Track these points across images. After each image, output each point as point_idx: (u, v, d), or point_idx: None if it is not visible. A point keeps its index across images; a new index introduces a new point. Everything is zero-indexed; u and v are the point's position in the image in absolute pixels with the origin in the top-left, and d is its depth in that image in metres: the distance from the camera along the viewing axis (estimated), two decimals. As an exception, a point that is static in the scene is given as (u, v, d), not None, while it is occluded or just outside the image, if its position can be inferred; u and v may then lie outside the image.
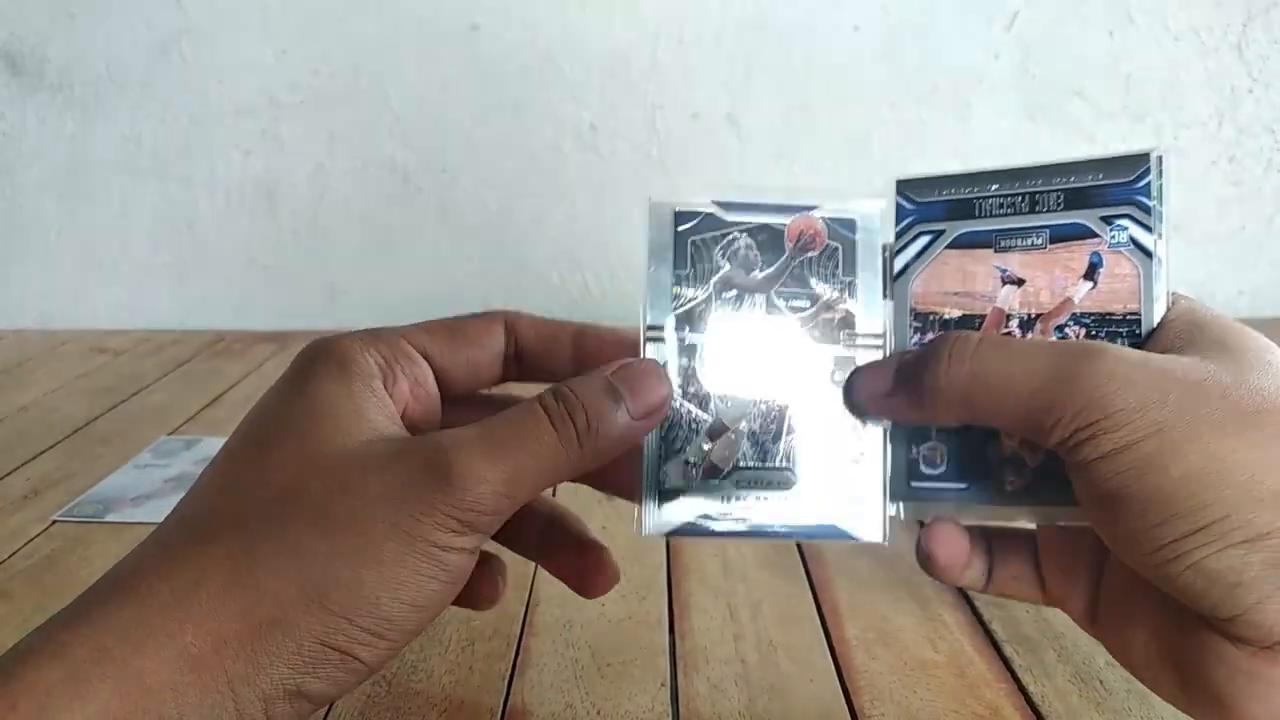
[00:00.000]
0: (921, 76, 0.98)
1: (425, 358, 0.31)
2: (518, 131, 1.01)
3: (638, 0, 0.97)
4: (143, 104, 1.01)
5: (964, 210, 0.31)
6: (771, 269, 0.31)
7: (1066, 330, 0.30)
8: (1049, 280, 0.30)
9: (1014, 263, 0.31)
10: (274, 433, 0.28)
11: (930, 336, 0.31)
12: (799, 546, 0.54)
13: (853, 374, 0.31)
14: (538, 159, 1.01)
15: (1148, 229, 0.29)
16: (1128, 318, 0.29)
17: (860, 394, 0.30)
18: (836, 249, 0.32)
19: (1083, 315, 0.30)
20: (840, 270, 0.31)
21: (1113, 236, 0.30)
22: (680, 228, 0.32)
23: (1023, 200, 0.31)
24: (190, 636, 0.24)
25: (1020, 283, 0.31)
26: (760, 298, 0.31)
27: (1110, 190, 0.30)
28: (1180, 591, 0.25)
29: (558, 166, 1.01)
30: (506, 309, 0.33)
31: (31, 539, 0.57)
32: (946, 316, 0.31)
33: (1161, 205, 0.29)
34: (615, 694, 0.41)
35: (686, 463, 0.30)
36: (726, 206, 0.32)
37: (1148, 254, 0.29)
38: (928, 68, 0.98)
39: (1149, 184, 0.30)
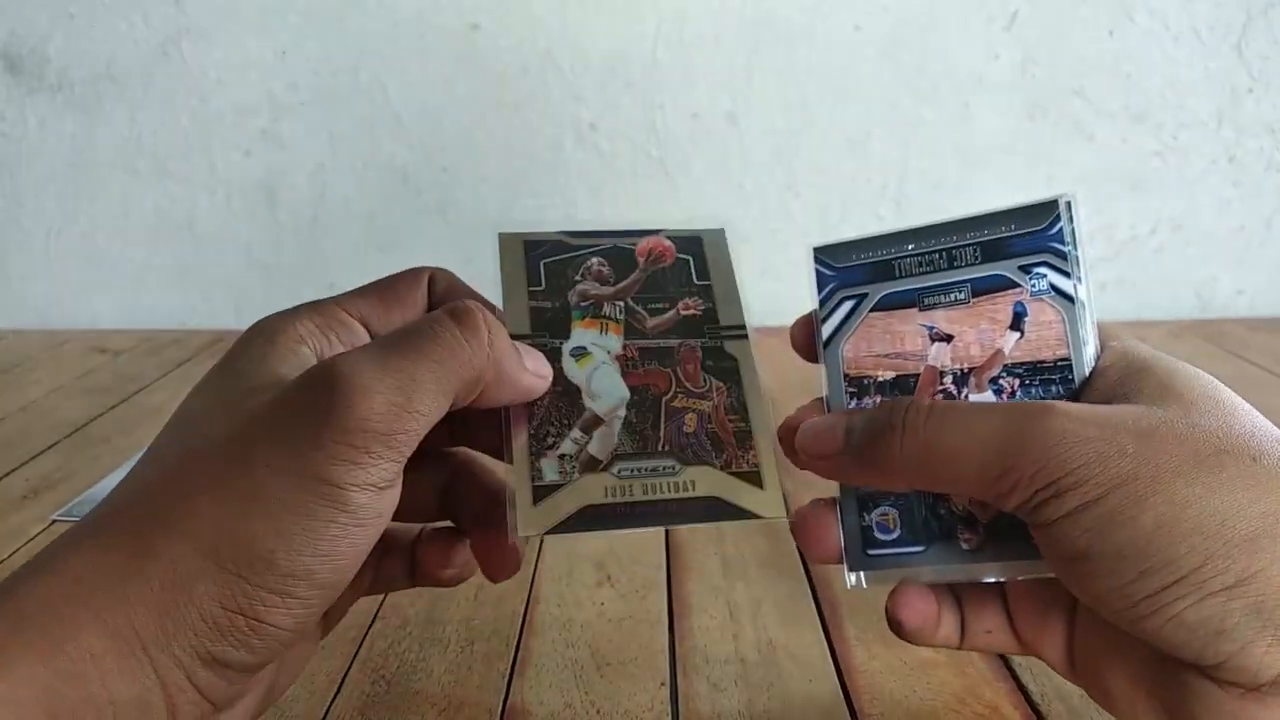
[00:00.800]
0: (922, 76, 0.98)
1: (362, 323, 0.31)
2: (518, 131, 1.01)
3: (638, 0, 0.97)
4: (143, 104, 1.01)
5: (884, 272, 0.32)
6: (626, 280, 0.33)
7: (1001, 382, 0.30)
8: (976, 334, 0.31)
9: (940, 319, 0.31)
10: (196, 410, 0.28)
11: (868, 401, 0.31)
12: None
13: (801, 430, 0.30)
14: (538, 158, 1.01)
15: (1065, 274, 0.30)
16: (1059, 364, 0.30)
17: (810, 452, 0.30)
18: (687, 260, 0.34)
19: (1014, 366, 0.30)
20: (694, 277, 0.33)
21: (1033, 285, 0.30)
22: (531, 253, 0.34)
23: (940, 257, 0.31)
24: (101, 602, 0.23)
25: (949, 339, 0.31)
26: (619, 303, 0.33)
27: (1024, 240, 0.30)
28: (1161, 643, 0.25)
29: (558, 166, 1.01)
30: (431, 265, 0.34)
31: (31, 538, 0.57)
32: (881, 379, 0.32)
33: (1076, 250, 0.30)
34: (615, 693, 0.41)
35: (562, 456, 0.30)
36: (574, 235, 0.34)
37: (1069, 299, 0.30)
38: (928, 67, 0.98)
39: (1061, 230, 0.30)
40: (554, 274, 0.33)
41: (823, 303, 0.33)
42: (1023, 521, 0.28)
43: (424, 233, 1.04)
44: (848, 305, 0.32)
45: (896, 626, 0.32)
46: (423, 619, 0.47)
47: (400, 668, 0.43)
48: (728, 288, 0.33)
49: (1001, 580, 0.31)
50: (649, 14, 0.97)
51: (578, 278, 0.33)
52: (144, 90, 1.01)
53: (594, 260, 0.34)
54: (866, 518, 0.31)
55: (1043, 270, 0.30)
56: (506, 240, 0.34)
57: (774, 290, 1.05)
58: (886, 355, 0.32)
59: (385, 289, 0.32)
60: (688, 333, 0.32)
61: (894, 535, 0.31)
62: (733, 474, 0.30)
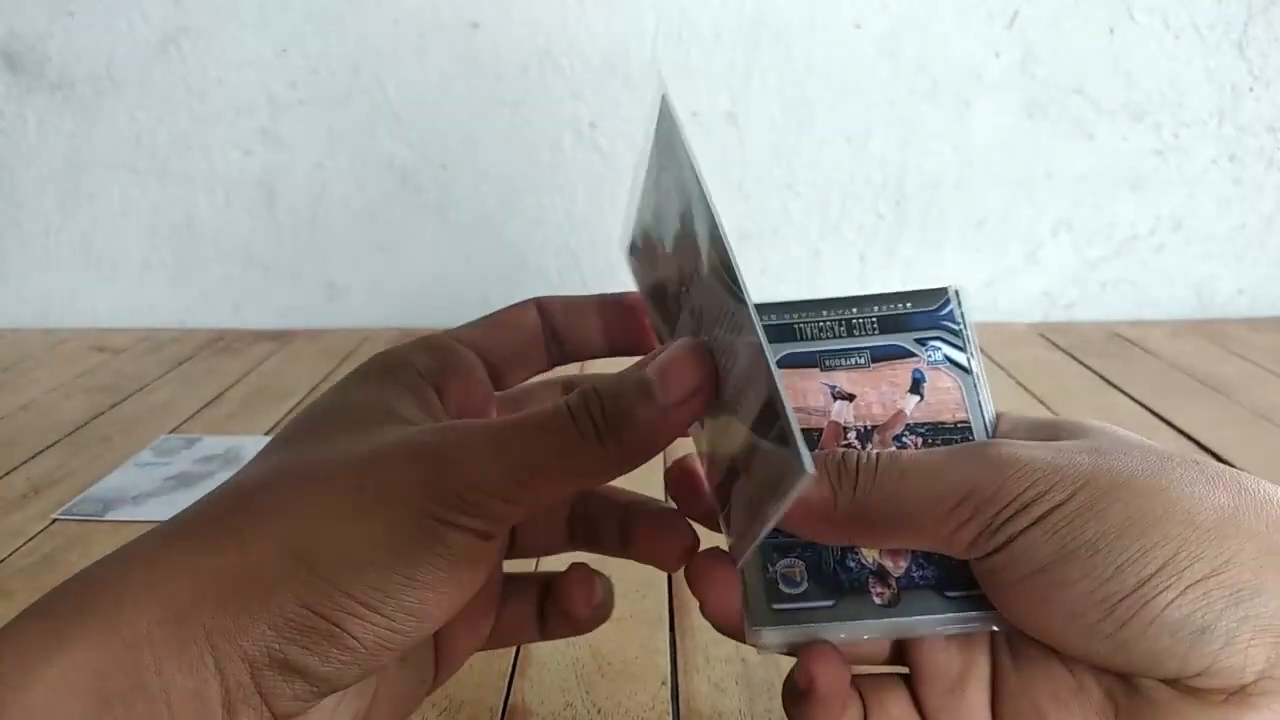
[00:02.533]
0: (921, 74, 0.98)
1: (474, 349, 0.31)
2: (517, 129, 1.00)
3: (638, -2, 0.97)
4: (142, 102, 1.01)
5: (785, 334, 0.32)
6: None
7: (904, 440, 0.31)
8: (878, 395, 0.31)
9: (842, 379, 0.32)
10: (305, 426, 0.28)
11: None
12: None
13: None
14: (537, 156, 1.01)
15: (959, 348, 0.31)
16: (959, 425, 0.31)
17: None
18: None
19: (916, 425, 0.31)
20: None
21: (929, 355, 0.31)
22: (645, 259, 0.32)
23: (840, 326, 0.32)
24: (168, 587, 0.23)
25: (851, 398, 0.31)
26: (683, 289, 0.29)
27: (918, 316, 0.32)
28: (1141, 657, 0.24)
29: (557, 164, 1.01)
30: (539, 295, 0.33)
31: (32, 537, 0.57)
32: None
33: (968, 330, 0.32)
34: (616, 693, 0.41)
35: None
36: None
37: (964, 369, 0.31)
38: (928, 65, 0.98)
39: (951, 312, 0.32)
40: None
41: None
42: (934, 577, 0.28)
43: (423, 231, 1.04)
44: None
45: (808, 688, 0.28)
46: (423, 618, 0.47)
47: (401, 667, 0.43)
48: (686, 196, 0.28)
49: (915, 636, 0.30)
50: (648, 12, 0.97)
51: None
52: (143, 89, 1.01)
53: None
54: (771, 570, 0.29)
55: (937, 344, 0.32)
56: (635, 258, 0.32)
57: (773, 289, 1.05)
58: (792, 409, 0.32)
59: (494, 320, 0.32)
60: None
61: (801, 588, 0.29)
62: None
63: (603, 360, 0.33)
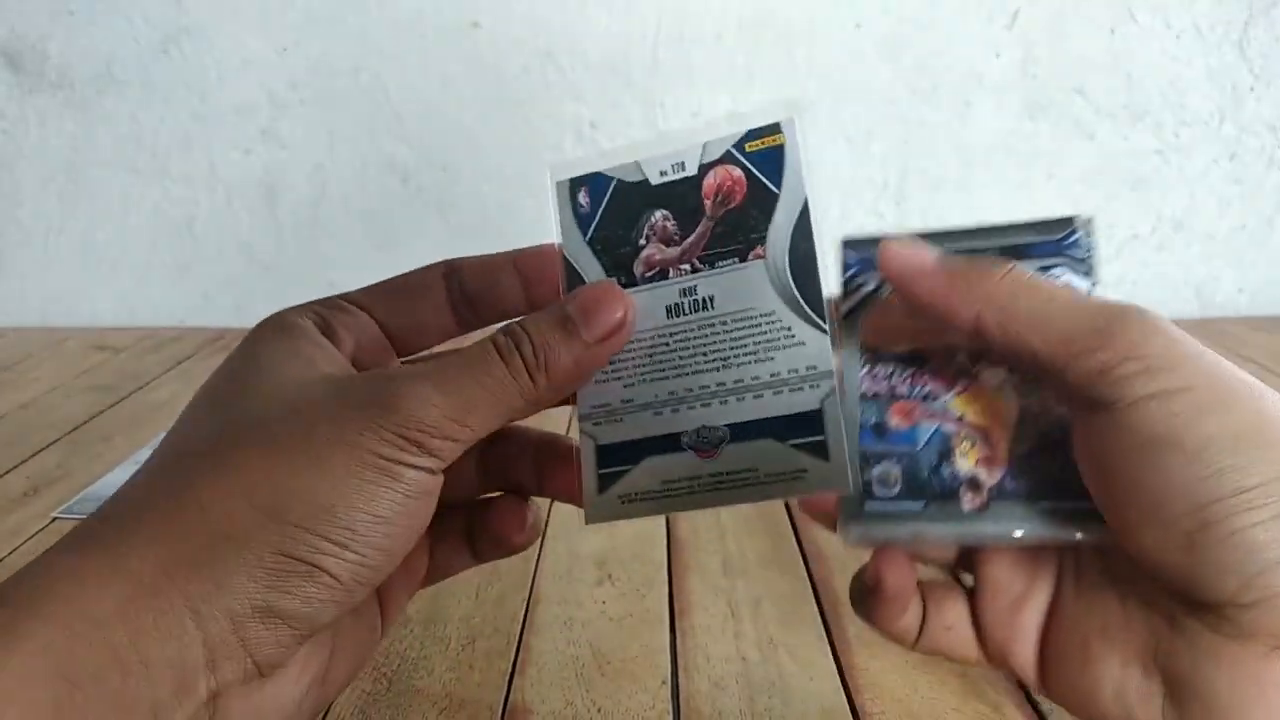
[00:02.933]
0: (922, 75, 0.98)
1: (367, 312, 0.31)
2: (518, 129, 1.01)
3: (638, -2, 0.97)
4: (143, 102, 1.01)
5: None
6: (691, 237, 0.30)
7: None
8: None
9: None
10: (219, 391, 0.28)
11: (880, 369, 0.31)
12: (800, 544, 0.54)
13: (885, 249, 0.29)
14: (538, 157, 1.01)
15: (1084, 275, 0.30)
16: None
17: (891, 263, 0.29)
18: (761, 185, 0.30)
19: None
20: (768, 214, 0.30)
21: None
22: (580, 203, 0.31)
23: (961, 256, 0.32)
24: (136, 563, 0.23)
25: None
26: (684, 268, 0.30)
27: (1043, 246, 0.31)
28: (1207, 569, 0.23)
29: (558, 164, 1.01)
30: (449, 257, 0.33)
31: (31, 536, 0.57)
32: (898, 350, 0.32)
33: (1094, 259, 0.31)
34: (616, 692, 0.41)
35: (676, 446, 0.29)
36: (633, 167, 0.31)
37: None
38: (928, 66, 0.98)
39: (1078, 240, 0.31)
40: (615, 236, 0.30)
41: (845, 284, 0.33)
42: (1026, 488, 0.27)
43: (423, 231, 1.04)
44: (870, 285, 0.32)
45: (873, 587, 0.30)
46: (424, 617, 0.47)
47: (401, 666, 0.43)
48: (793, 210, 0.29)
49: (1000, 544, 0.31)
50: (649, 12, 0.97)
51: (642, 240, 0.30)
52: (144, 89, 1.01)
53: (658, 214, 0.30)
54: (867, 472, 0.31)
55: (1060, 270, 0.30)
56: (562, 188, 0.31)
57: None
58: (903, 330, 0.32)
59: (395, 285, 0.32)
60: (767, 281, 0.29)
61: (894, 491, 0.30)
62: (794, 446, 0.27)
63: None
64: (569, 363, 0.27)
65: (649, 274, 0.30)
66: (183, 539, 0.23)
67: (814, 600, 0.48)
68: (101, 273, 1.07)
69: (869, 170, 1.01)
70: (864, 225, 1.02)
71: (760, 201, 0.29)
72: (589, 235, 0.31)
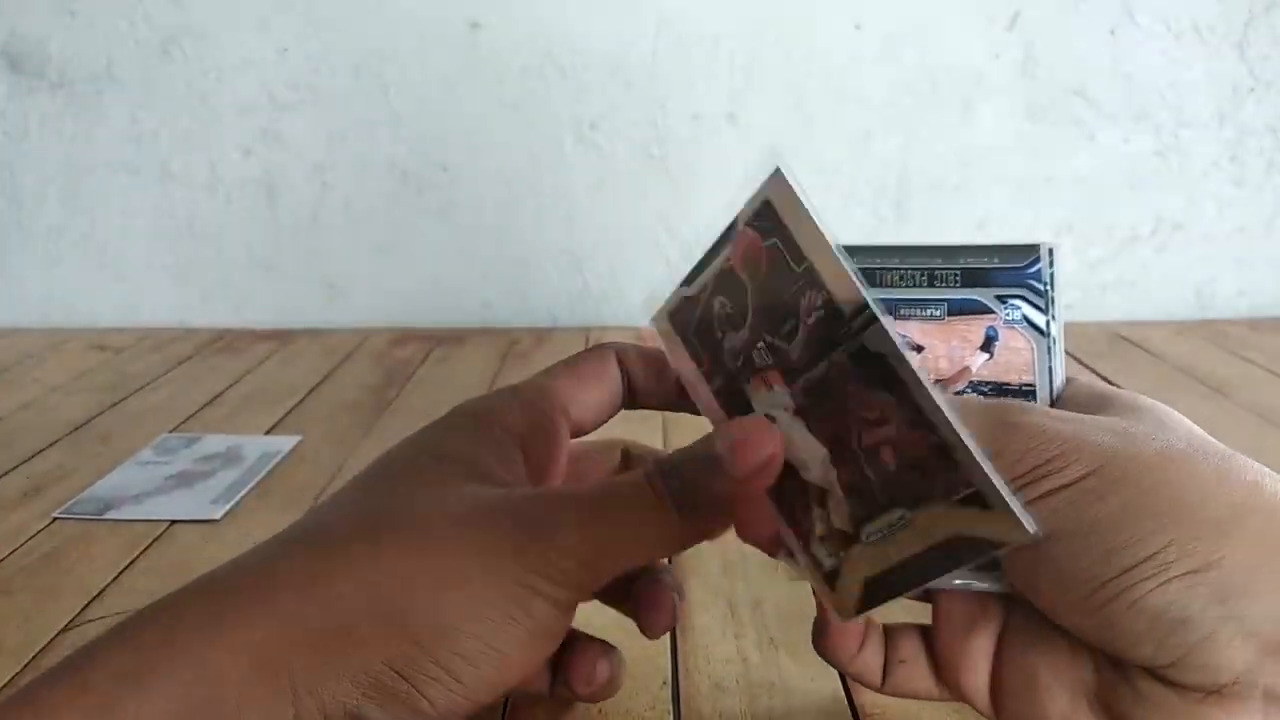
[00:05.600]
0: (922, 76, 0.98)
1: (563, 411, 0.31)
2: (518, 130, 1.01)
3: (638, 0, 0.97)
4: (143, 102, 1.01)
5: (865, 279, 0.31)
6: (749, 314, 0.29)
7: (966, 396, 0.31)
8: (947, 349, 0.31)
9: (913, 331, 0.32)
10: (394, 469, 0.28)
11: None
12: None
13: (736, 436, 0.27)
14: (538, 158, 1.01)
15: (1040, 309, 0.31)
16: (1023, 388, 0.31)
17: (746, 462, 0.27)
18: (776, 245, 0.28)
19: (980, 384, 0.31)
20: (792, 263, 0.27)
21: (1007, 314, 0.31)
22: (678, 329, 0.31)
23: (922, 275, 0.32)
24: (260, 634, 0.23)
25: (919, 349, 0.31)
26: (760, 346, 0.28)
27: (1004, 273, 0.31)
28: (1121, 637, 0.24)
29: (558, 166, 1.01)
30: (613, 342, 0.33)
31: (32, 536, 0.57)
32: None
33: (1052, 291, 0.31)
34: (616, 692, 0.41)
35: (821, 539, 0.27)
36: (689, 281, 0.31)
37: (1041, 331, 0.31)
38: (928, 67, 0.98)
39: (1039, 270, 0.31)
40: (704, 340, 0.30)
41: None
42: None
43: (424, 232, 1.04)
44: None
45: (823, 624, 0.31)
46: (423, 618, 0.47)
47: (401, 666, 0.43)
48: (823, 255, 0.26)
49: (937, 589, 0.31)
50: (649, 13, 0.97)
51: (719, 335, 0.29)
52: (144, 89, 1.01)
53: (717, 304, 0.29)
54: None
55: (1018, 302, 0.31)
56: (661, 326, 0.31)
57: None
58: None
59: (575, 368, 0.32)
60: (828, 345, 0.26)
61: None
62: (959, 502, 0.24)
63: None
64: (719, 499, 0.27)
65: (739, 365, 0.29)
66: (306, 619, 0.24)
67: (814, 601, 0.48)
68: (101, 273, 1.07)
69: (868, 172, 1.01)
70: (863, 227, 1.02)
71: (781, 255, 0.28)
72: (700, 368, 0.31)
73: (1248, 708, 0.24)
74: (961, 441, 0.23)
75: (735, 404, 0.29)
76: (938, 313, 0.31)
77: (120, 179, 1.04)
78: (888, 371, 0.24)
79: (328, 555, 0.25)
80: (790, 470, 0.27)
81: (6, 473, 0.66)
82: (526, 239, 1.04)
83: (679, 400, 0.32)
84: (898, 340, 0.24)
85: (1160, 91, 0.98)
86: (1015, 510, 0.22)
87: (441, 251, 1.05)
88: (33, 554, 0.55)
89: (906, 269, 0.32)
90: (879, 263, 0.32)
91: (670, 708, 0.40)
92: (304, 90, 1.00)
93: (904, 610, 0.32)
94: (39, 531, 0.57)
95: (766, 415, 0.28)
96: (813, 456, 0.27)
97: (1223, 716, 0.24)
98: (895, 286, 0.32)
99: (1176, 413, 0.28)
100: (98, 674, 0.22)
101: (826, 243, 0.26)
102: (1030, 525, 0.22)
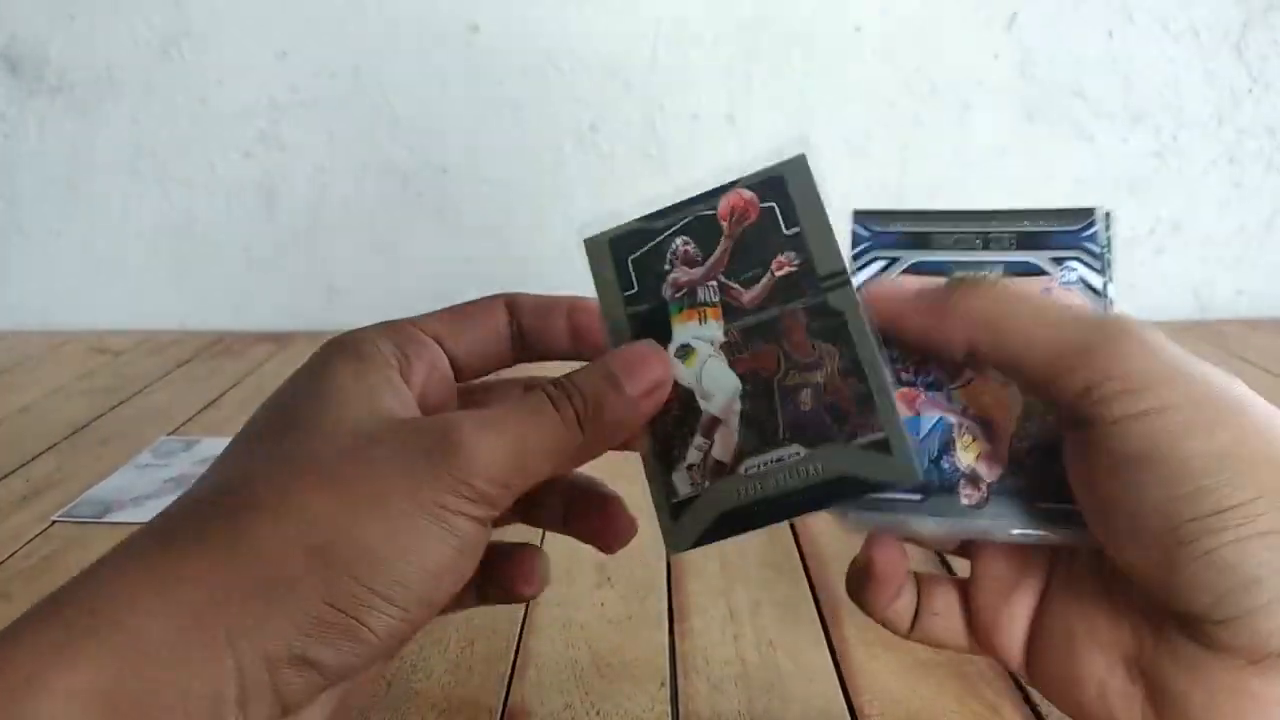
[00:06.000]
0: (921, 77, 0.98)
1: (436, 340, 0.31)
2: (517, 132, 1.01)
3: (638, 0, 0.97)
4: (143, 105, 1.01)
5: (919, 241, 0.32)
6: (714, 254, 0.31)
7: None
8: None
9: None
10: (285, 415, 0.28)
11: (882, 353, 0.31)
12: (799, 546, 0.54)
13: (866, 283, 0.30)
14: (537, 159, 1.01)
15: (1097, 271, 0.30)
16: None
17: (876, 298, 0.29)
18: (772, 209, 0.31)
19: None
20: (783, 226, 0.30)
21: (1063, 276, 0.31)
22: (617, 254, 0.32)
23: (976, 238, 0.32)
24: (187, 593, 0.23)
25: None
26: (711, 284, 0.30)
27: (1059, 236, 0.31)
28: (1183, 585, 0.24)
29: (557, 167, 1.02)
30: (506, 291, 0.33)
31: (31, 539, 0.57)
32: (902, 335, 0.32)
33: (1110, 254, 0.31)
34: (615, 694, 0.41)
35: (690, 467, 0.29)
36: (653, 216, 0.32)
37: (1097, 293, 0.30)
38: (927, 68, 0.98)
39: (1095, 233, 0.31)
40: (644, 270, 0.31)
41: (854, 258, 0.32)
42: (1025, 487, 0.27)
43: (423, 234, 1.04)
44: (879, 264, 0.32)
45: (863, 569, 0.31)
46: (423, 620, 0.47)
47: (400, 668, 0.43)
48: (820, 228, 0.30)
49: (994, 540, 0.31)
50: (649, 15, 0.97)
51: (667, 266, 0.31)
52: (144, 92, 1.01)
53: (678, 241, 0.31)
54: None
55: (1074, 264, 0.31)
56: (592, 247, 0.32)
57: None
58: None
59: (461, 313, 0.33)
60: (787, 297, 0.29)
61: None
62: (860, 446, 0.27)
63: (555, 363, 0.33)
64: (616, 416, 0.28)
65: (677, 295, 0.31)
66: (234, 574, 0.24)
67: (813, 602, 0.48)
68: (101, 275, 1.07)
69: (867, 173, 1.01)
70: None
71: (773, 217, 0.30)
72: (625, 292, 0.32)
73: None
74: (889, 391, 0.27)
75: (650, 329, 0.30)
76: (993, 274, 0.31)
77: (120, 181, 1.04)
78: (839, 325, 0.29)
79: (239, 507, 0.25)
80: (685, 399, 0.29)
81: (5, 476, 0.66)
82: (526, 241, 1.04)
83: (571, 349, 0.33)
84: (859, 302, 0.29)
85: (1159, 93, 0.98)
86: (914, 464, 0.27)
87: (441, 253, 1.05)
88: (32, 557, 0.55)
89: (961, 232, 0.32)
90: (933, 226, 0.32)
91: (669, 708, 0.40)
92: (303, 92, 1.00)
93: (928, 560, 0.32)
94: (38, 534, 0.57)
95: (684, 344, 0.30)
96: (721, 389, 0.29)
97: (1264, 686, 0.23)
98: (949, 250, 0.32)
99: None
100: (21, 653, 0.22)
101: (827, 220, 0.30)
102: (919, 472, 0.27)
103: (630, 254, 0.32)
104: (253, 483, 0.26)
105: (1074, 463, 0.27)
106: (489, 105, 1.00)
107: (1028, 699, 0.40)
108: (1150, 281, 1.05)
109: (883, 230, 0.32)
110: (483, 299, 0.33)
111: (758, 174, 0.32)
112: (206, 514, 0.26)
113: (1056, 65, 0.98)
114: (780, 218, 0.30)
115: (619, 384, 0.28)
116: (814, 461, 0.28)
